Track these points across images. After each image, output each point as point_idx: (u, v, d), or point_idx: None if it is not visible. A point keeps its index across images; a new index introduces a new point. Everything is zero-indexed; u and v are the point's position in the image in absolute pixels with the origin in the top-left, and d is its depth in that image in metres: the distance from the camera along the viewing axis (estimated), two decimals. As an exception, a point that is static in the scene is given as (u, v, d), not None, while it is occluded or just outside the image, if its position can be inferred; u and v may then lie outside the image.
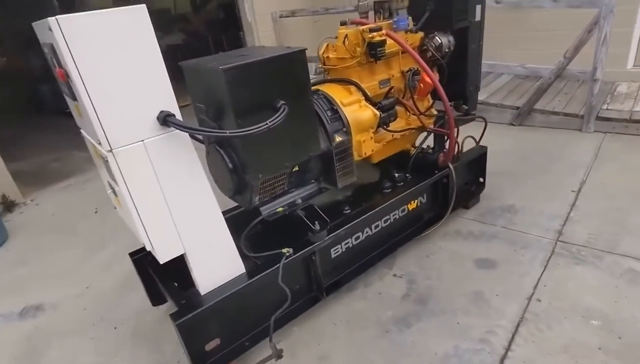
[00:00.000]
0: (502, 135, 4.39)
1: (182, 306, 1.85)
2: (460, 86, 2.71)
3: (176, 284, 2.06)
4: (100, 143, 1.45)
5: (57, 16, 1.23)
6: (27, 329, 2.49)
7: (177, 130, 1.51)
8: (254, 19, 6.05)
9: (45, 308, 2.64)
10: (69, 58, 1.28)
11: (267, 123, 1.65)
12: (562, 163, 3.59)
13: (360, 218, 2.29)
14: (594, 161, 3.55)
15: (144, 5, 1.37)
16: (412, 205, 2.67)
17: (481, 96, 4.79)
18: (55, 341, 2.35)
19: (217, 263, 1.85)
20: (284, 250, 2.01)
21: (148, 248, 1.65)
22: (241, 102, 1.71)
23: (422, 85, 2.45)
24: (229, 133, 1.61)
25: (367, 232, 2.43)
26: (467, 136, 3.04)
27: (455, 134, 2.63)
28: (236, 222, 2.10)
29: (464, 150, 2.90)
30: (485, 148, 3.02)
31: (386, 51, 2.22)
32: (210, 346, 1.88)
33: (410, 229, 2.71)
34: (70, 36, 1.27)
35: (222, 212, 1.88)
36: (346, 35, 2.20)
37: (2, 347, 2.37)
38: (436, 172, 2.68)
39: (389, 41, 2.23)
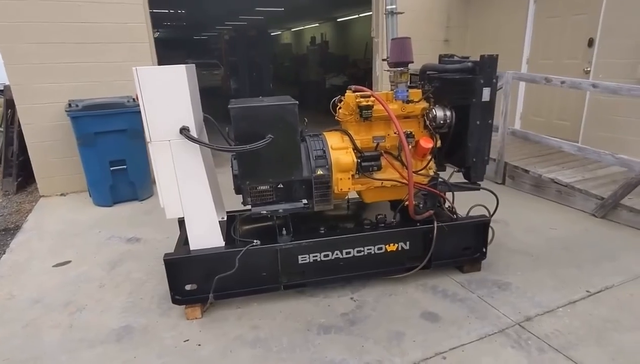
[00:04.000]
0: (574, 222, 4.11)
1: (173, 252, 2.79)
2: (461, 156, 2.98)
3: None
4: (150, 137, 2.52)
5: (135, 67, 2.34)
6: (123, 248, 3.85)
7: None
8: (381, 74, 6.90)
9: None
10: (138, 87, 2.38)
11: (246, 146, 2.48)
12: (606, 264, 3.28)
13: (324, 238, 2.86)
14: (646, 273, 3.14)
15: (183, 66, 2.40)
16: (392, 247, 3.04)
17: (570, 179, 4.53)
18: (131, 260, 3.62)
19: (204, 232, 2.72)
20: (255, 241, 2.77)
21: (162, 205, 2.64)
22: (240, 131, 2.58)
23: (417, 147, 2.90)
24: (215, 146, 2.49)
25: (337, 254, 2.94)
26: (476, 205, 3.23)
27: (449, 197, 2.93)
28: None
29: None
30: (487, 219, 3.13)
31: (373, 114, 2.77)
32: (189, 287, 2.76)
33: (386, 268, 3.08)
34: (141, 77, 2.36)
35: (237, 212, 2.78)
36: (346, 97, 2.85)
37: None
38: (418, 224, 3.00)
39: (378, 106, 2.77)
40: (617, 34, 5.14)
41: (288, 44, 22.98)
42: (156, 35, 6.15)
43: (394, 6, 3.05)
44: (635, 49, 4.92)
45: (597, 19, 5.36)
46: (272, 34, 22.65)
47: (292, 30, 22.72)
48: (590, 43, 5.53)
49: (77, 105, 4.52)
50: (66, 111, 4.53)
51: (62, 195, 5.28)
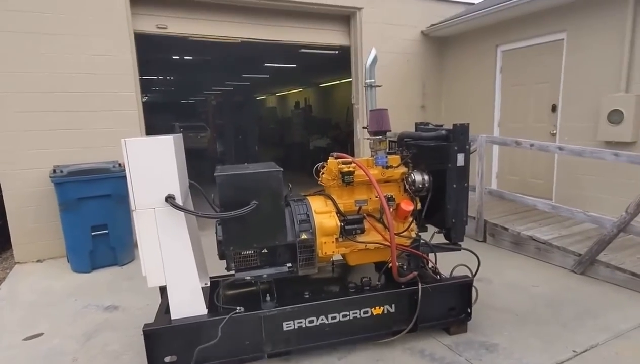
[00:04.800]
0: (555, 278, 4.18)
1: (153, 322, 2.71)
2: (441, 218, 3.09)
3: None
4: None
5: (124, 139, 2.43)
6: (100, 318, 3.69)
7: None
8: (362, 137, 7.22)
9: (117, 309, 3.84)
10: (126, 157, 2.45)
11: (231, 213, 2.53)
12: (590, 322, 3.30)
13: (309, 304, 2.83)
14: (630, 331, 3.16)
15: (170, 137, 2.50)
16: (377, 311, 3.02)
17: (548, 236, 4.67)
18: (108, 331, 3.47)
19: (186, 300, 2.68)
20: (238, 308, 2.73)
21: (144, 274, 2.61)
22: (225, 197, 2.64)
23: (398, 209, 3.00)
24: (200, 214, 2.54)
25: (322, 319, 2.90)
26: (459, 265, 3.28)
27: (432, 258, 2.98)
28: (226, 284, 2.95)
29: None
30: (470, 280, 3.17)
31: (355, 179, 2.89)
32: (168, 359, 2.65)
33: (372, 333, 3.03)
34: (129, 148, 2.44)
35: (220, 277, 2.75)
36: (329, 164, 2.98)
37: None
38: (402, 286, 3.02)
39: (360, 171, 2.90)
40: (576, 101, 5.59)
41: (273, 108, 23.87)
42: (144, 99, 6.37)
43: (372, 80, 3.30)
44: (594, 113, 5.33)
45: (557, 87, 5.85)
46: (257, 98, 23.60)
47: (277, 94, 23.73)
48: (554, 108, 5.97)
49: (61, 171, 4.55)
50: (50, 177, 4.55)
51: (38, 261, 5.12)
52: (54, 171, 4.58)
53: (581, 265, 4.20)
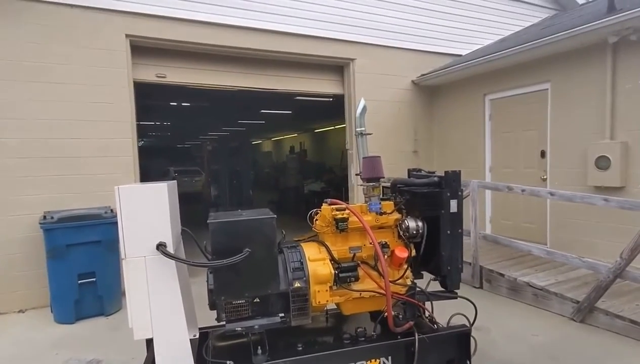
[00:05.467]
0: (554, 327, 4.08)
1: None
2: (436, 265, 3.05)
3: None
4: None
5: (118, 186, 2.42)
6: None
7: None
8: (356, 183, 7.30)
9: (101, 363, 3.65)
10: (118, 205, 2.43)
11: (223, 261, 2.48)
12: (593, 375, 3.18)
13: (302, 357, 2.71)
14: (635, 383, 3.05)
15: (164, 184, 2.50)
16: (374, 363, 2.90)
17: (544, 282, 4.61)
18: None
19: (173, 354, 2.55)
20: (227, 362, 2.60)
21: (130, 326, 2.51)
22: (218, 244, 2.60)
23: (393, 256, 2.96)
24: (192, 263, 2.48)
25: (316, 374, 2.78)
26: (456, 313, 3.20)
27: (428, 307, 2.91)
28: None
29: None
30: (468, 330, 3.08)
31: (349, 225, 2.88)
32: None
33: (370, 388, 2.89)
34: (122, 195, 2.43)
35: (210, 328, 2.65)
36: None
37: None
38: (399, 337, 2.92)
39: (353, 218, 2.89)
40: (564, 147, 5.74)
41: (268, 152, 24.22)
42: (140, 143, 6.45)
43: (362, 128, 3.37)
44: (582, 159, 5.45)
45: (545, 134, 6.02)
46: (253, 143, 23.98)
47: (272, 139, 24.15)
48: (543, 154, 6.11)
49: (52, 217, 4.49)
50: (40, 223, 4.48)
51: (20, 311, 4.92)
52: (44, 217, 4.53)
53: (580, 312, 4.12)
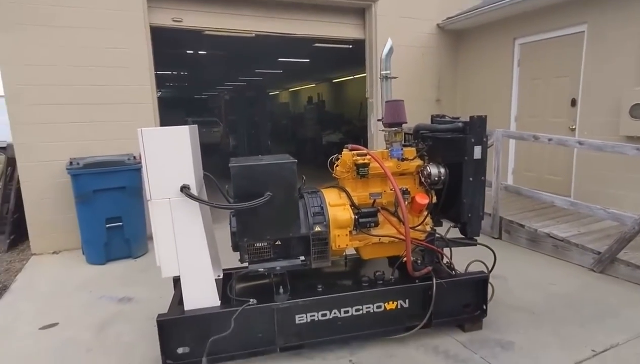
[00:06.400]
0: (573, 276, 4.08)
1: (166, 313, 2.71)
2: (456, 212, 3.02)
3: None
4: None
5: (140, 128, 2.43)
6: (115, 308, 3.73)
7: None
8: (376, 132, 7.17)
9: (131, 300, 3.88)
10: (142, 147, 2.45)
11: (245, 204, 2.52)
12: (609, 321, 3.21)
13: (322, 297, 2.80)
14: (652, 330, 3.07)
15: (186, 127, 2.49)
16: (391, 306, 2.97)
17: (566, 233, 4.56)
18: (122, 321, 3.50)
19: (199, 291, 2.67)
20: (251, 300, 2.71)
21: (158, 264, 2.61)
22: (239, 188, 2.63)
23: (413, 203, 2.94)
24: (215, 204, 2.52)
25: (335, 313, 2.87)
26: (474, 260, 3.21)
27: (447, 253, 2.93)
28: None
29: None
30: (486, 276, 3.11)
31: (369, 171, 2.84)
32: (181, 350, 2.65)
33: (385, 328, 2.99)
34: (146, 138, 2.44)
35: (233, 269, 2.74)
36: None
37: (98, 314, 3.64)
38: (416, 281, 2.97)
39: (374, 164, 2.85)
40: (597, 94, 5.44)
41: (286, 103, 23.86)
42: (158, 94, 6.41)
43: (388, 71, 3.23)
44: (615, 107, 5.17)
45: (577, 80, 5.69)
46: (270, 93, 23.61)
47: (290, 90, 23.71)
48: (573, 103, 5.82)
49: (78, 163, 4.60)
50: (67, 169, 4.60)
51: (54, 253, 5.20)
52: (70, 163, 4.64)
53: (600, 263, 4.09)
